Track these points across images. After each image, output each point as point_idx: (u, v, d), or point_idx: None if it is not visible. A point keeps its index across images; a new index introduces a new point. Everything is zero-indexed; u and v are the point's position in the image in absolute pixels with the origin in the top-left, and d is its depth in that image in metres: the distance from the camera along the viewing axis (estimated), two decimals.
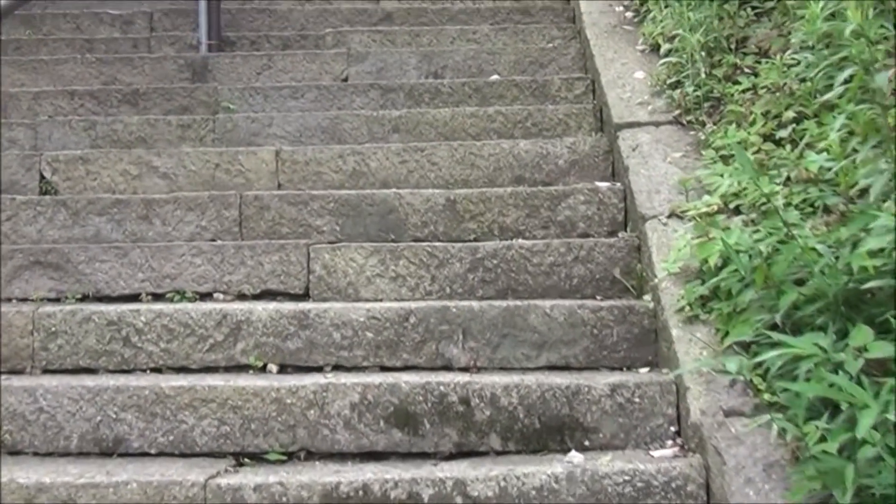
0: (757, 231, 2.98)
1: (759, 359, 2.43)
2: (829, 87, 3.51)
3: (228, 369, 3.31)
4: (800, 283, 2.65)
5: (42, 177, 4.39)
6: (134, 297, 3.72)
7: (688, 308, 3.01)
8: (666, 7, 4.44)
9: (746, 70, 4.16)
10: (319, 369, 3.30)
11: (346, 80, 5.31)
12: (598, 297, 3.53)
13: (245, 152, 4.40)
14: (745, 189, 3.24)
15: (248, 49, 5.70)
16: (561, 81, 4.96)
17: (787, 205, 3.14)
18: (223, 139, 4.70)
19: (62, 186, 4.37)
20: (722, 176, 3.26)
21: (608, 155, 4.28)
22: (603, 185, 4.02)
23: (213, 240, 3.97)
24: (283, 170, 4.34)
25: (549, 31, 5.69)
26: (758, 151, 3.54)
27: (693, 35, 4.11)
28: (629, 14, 5.38)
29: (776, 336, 2.45)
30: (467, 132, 4.64)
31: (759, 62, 4.15)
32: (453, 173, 4.30)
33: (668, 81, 4.28)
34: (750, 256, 2.79)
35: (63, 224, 4.04)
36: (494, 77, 5.14)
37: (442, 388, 2.94)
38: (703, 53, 4.11)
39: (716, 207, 3.22)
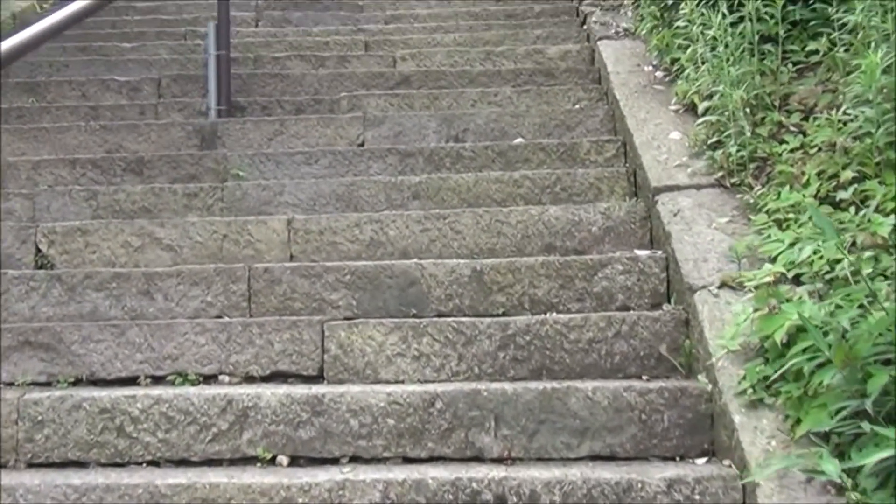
0: (828, 303, 2.66)
1: (861, 462, 2.07)
2: (891, 145, 3.22)
3: (234, 462, 2.97)
4: (887, 363, 2.31)
5: (38, 250, 4.10)
6: (131, 381, 3.40)
7: (750, 391, 2.66)
8: (702, 64, 4.16)
9: (792, 129, 3.87)
10: (335, 461, 2.95)
11: (362, 144, 5.03)
12: (644, 377, 3.19)
13: (255, 222, 4.11)
14: (808, 256, 2.91)
15: (260, 114, 5.44)
16: (590, 144, 4.67)
17: (855, 273, 2.81)
18: (232, 208, 4.42)
19: (59, 260, 4.08)
20: (782, 241, 2.94)
21: (645, 221, 3.96)
22: (642, 253, 3.70)
23: (219, 316, 3.65)
24: (296, 240, 4.05)
25: (574, 92, 5.42)
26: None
27: (735, 91, 3.82)
28: (659, 73, 5.13)
29: (867, 426, 2.10)
30: (492, 198, 4.34)
31: (806, 120, 3.87)
32: (478, 242, 4.00)
33: (709, 142, 3.99)
34: (825, 332, 2.46)
35: (58, 300, 3.74)
36: (519, 140, 4.86)
37: (474, 484, 2.60)
38: (745, 111, 3.81)
39: (777, 276, 2.89)
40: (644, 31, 5.63)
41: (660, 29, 5.23)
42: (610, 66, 5.36)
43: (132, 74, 6.02)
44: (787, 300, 2.70)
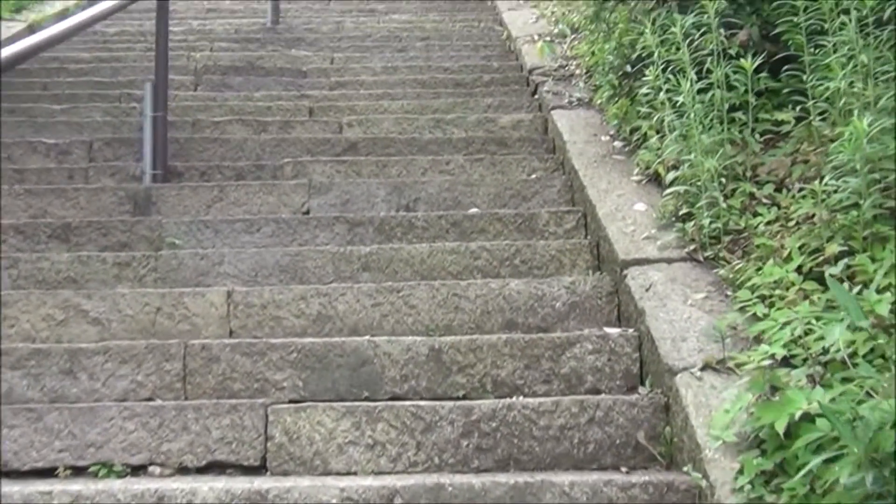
0: (830, 388, 2.42)
1: None
2: (880, 217, 3.04)
3: None
4: None
5: None
6: (49, 472, 3.02)
7: (748, 487, 2.40)
8: (670, 132, 3.97)
9: (764, 201, 3.69)
10: None
11: (307, 213, 4.75)
12: (623, 469, 2.91)
13: (191, 294, 3.78)
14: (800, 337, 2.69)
15: (198, 180, 5.13)
16: (549, 215, 4.45)
17: (853, 355, 2.60)
18: (166, 279, 4.08)
19: None
20: (776, 321, 2.71)
21: (613, 296, 3.73)
22: (613, 331, 3.45)
23: (150, 399, 3.30)
24: (236, 314, 3.72)
25: (528, 162, 5.22)
26: (798, 291, 3.02)
27: (706, 161, 3.63)
28: (618, 143, 4.96)
29: None
30: (447, 271, 4.08)
31: (779, 191, 3.69)
32: (434, 318, 3.72)
33: (679, 213, 3.79)
34: (833, 422, 2.21)
35: None
36: (474, 210, 4.62)
37: None
38: (718, 182, 3.62)
39: (775, 359, 2.65)
40: (600, 101, 5.48)
41: (617, 98, 5.08)
42: (566, 135, 5.18)
43: (62, 137, 5.67)
44: (785, 385, 2.46)
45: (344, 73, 7.20)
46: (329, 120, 6.01)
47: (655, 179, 4.33)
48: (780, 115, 3.97)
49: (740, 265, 3.31)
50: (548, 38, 6.93)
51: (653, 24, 4.28)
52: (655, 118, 4.20)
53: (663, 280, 3.47)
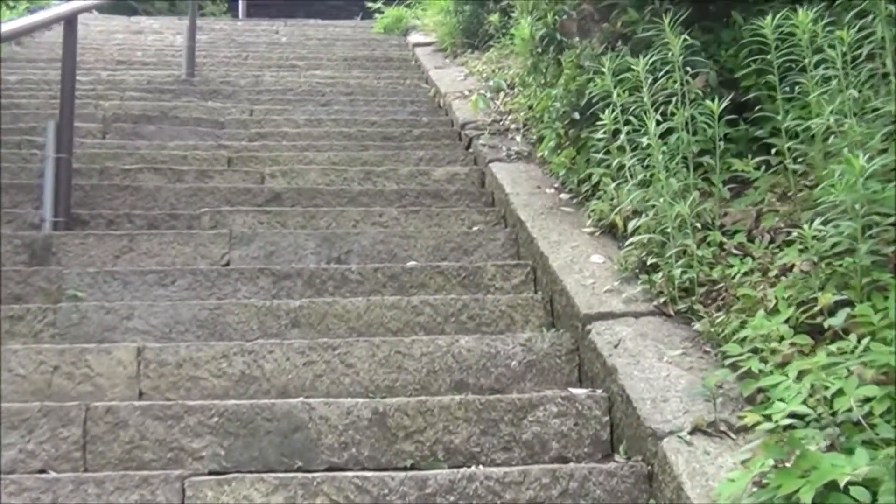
0: (850, 452, 2.09)
1: None
2: (877, 264, 2.76)
3: None
4: None
5: None
6: None
7: None
8: (630, 177, 3.67)
9: (735, 251, 3.39)
10: None
11: (227, 265, 4.30)
12: None
13: (95, 351, 3.30)
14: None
15: (105, 228, 4.64)
16: (495, 269, 4.09)
17: (869, 415, 2.27)
18: (66, 335, 3.59)
19: None
20: (786, 375, 2.38)
21: (573, 354, 3.37)
22: (579, 392, 3.08)
23: (43, 471, 2.79)
24: (147, 374, 3.25)
25: (467, 215, 4.87)
26: (790, 345, 2.71)
27: (674, 207, 3.32)
28: (564, 196, 4.66)
29: None
30: (387, 327, 3.67)
31: (751, 241, 3.41)
32: (375, 378, 3.30)
33: (645, 264, 3.46)
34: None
35: None
36: (412, 263, 4.23)
37: None
38: (690, 229, 3.31)
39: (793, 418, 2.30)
40: (542, 153, 5.20)
41: (563, 147, 4.79)
42: (507, 188, 4.87)
43: None
44: (806, 452, 2.11)
45: (264, 124, 6.81)
46: (250, 170, 5.60)
47: (610, 231, 4.03)
48: (740, 164, 3.71)
49: (721, 318, 2.99)
50: (481, 93, 6.66)
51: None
52: (613, 164, 3.90)
53: (633, 335, 3.13)
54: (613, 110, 3.89)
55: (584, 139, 4.55)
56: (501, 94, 6.86)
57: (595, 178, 4.34)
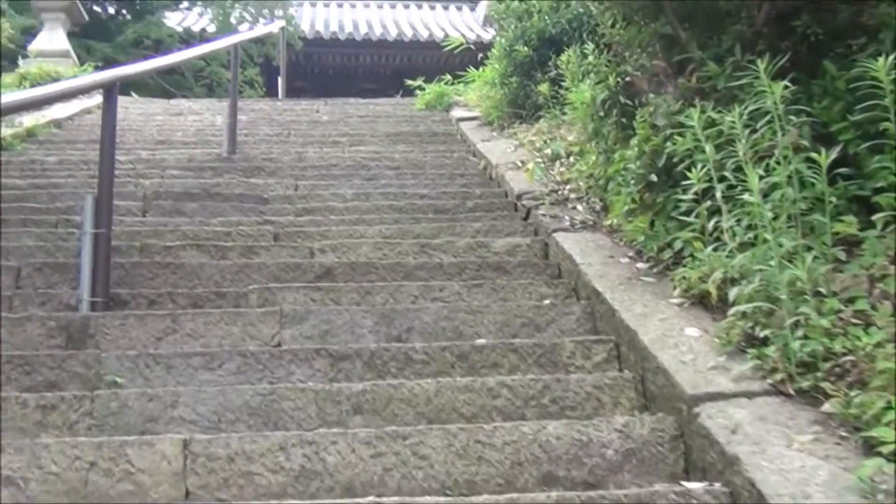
0: None
1: None
2: None
3: None
4: None
5: None
6: None
7: None
8: (732, 238, 3.29)
9: (854, 320, 2.98)
10: None
11: (278, 346, 3.94)
12: None
13: (136, 444, 2.91)
14: None
15: (146, 308, 4.32)
16: (574, 345, 3.70)
17: None
18: (104, 426, 3.22)
19: None
20: None
21: (677, 441, 2.94)
22: (696, 487, 2.64)
23: None
24: (195, 469, 2.86)
25: (534, 287, 4.50)
26: None
27: (786, 272, 2.93)
28: (642, 265, 4.29)
29: None
30: (460, 412, 3.28)
31: (874, 308, 3.00)
32: (453, 472, 2.89)
33: (756, 335, 3.06)
34: None
35: None
36: (483, 341, 3.85)
37: None
38: (809, 295, 2.91)
39: None
40: (613, 220, 4.84)
41: (636, 213, 4.43)
42: (578, 258, 4.50)
43: None
44: None
45: (310, 199, 6.51)
46: (298, 246, 5.27)
47: (701, 302, 3.63)
48: (845, 224, 3.31)
49: (860, 398, 2.57)
50: (538, 161, 6.34)
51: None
52: (703, 227, 3.52)
53: (751, 419, 2.71)
54: (703, 167, 3.54)
55: (663, 203, 4.19)
56: (557, 163, 6.54)
57: (678, 245, 3.97)
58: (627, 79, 5.25)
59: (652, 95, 4.27)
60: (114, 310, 4.25)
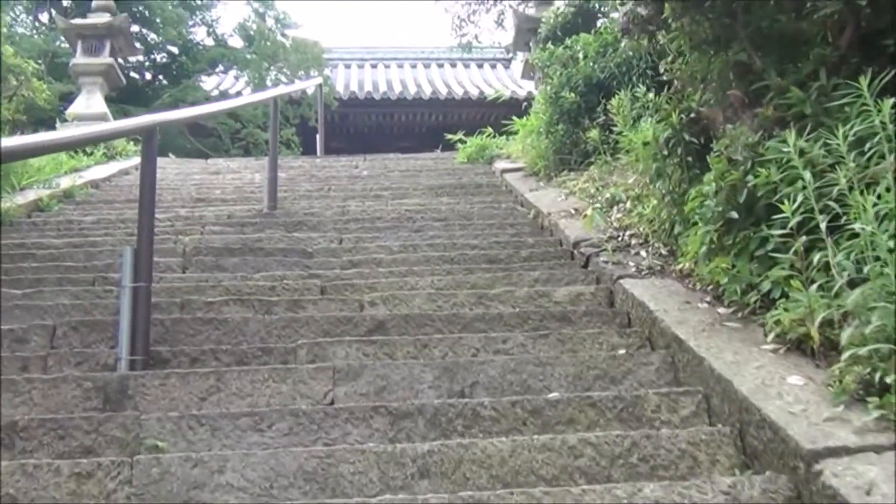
0: None
1: None
2: None
3: None
4: None
5: None
6: None
7: None
8: (840, 275, 2.95)
9: None
10: None
11: (332, 404, 3.63)
12: None
13: None
14: None
15: (189, 367, 4.02)
16: (658, 398, 3.34)
17: None
18: (145, 495, 2.90)
19: None
20: None
21: (793, 503, 2.58)
22: None
23: None
24: None
25: (605, 337, 4.16)
26: None
27: None
28: (722, 310, 3.93)
29: None
30: (538, 474, 2.93)
31: None
32: None
33: (879, 381, 2.70)
34: None
35: None
36: (555, 395, 3.51)
37: None
38: None
39: None
40: (683, 264, 4.52)
41: (713, 255, 4.09)
42: (651, 305, 4.16)
43: (17, 323, 4.58)
44: None
45: (356, 252, 6.24)
46: (346, 298, 4.97)
47: (799, 347, 3.28)
48: None
49: None
50: (597, 207, 6.03)
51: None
52: (803, 264, 3.18)
53: (884, 477, 2.35)
54: (797, 199, 3.21)
55: (744, 242, 3.85)
56: (614, 209, 6.22)
57: (765, 286, 3.62)
58: (692, 115, 4.96)
59: (730, 126, 3.94)
60: (154, 368, 3.95)
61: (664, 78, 7.76)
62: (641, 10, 5.49)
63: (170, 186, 9.46)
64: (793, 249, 3.27)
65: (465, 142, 11.39)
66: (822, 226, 3.03)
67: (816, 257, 3.10)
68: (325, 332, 4.43)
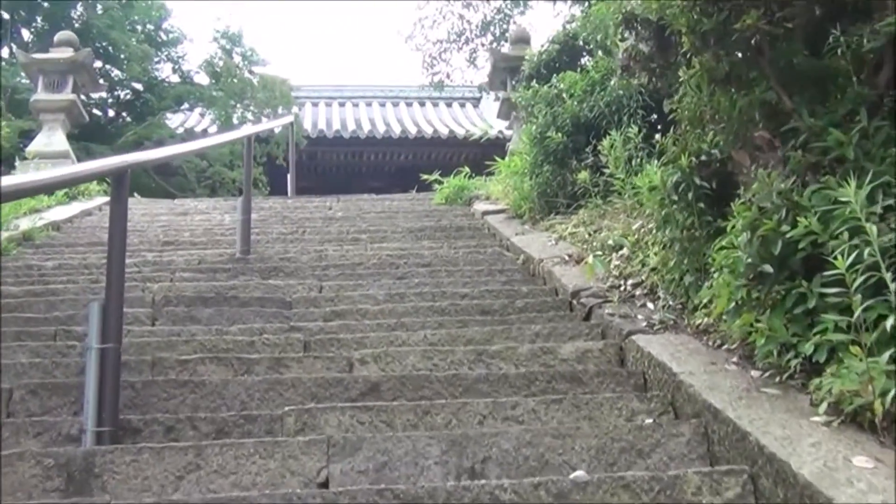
0: None
1: None
2: None
3: None
4: None
5: None
6: None
7: None
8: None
9: None
10: None
11: (325, 484, 3.22)
12: None
13: None
14: None
15: (163, 439, 3.59)
16: (700, 478, 2.96)
17: None
18: None
19: None
20: None
21: None
22: None
23: None
24: None
25: (623, 403, 3.78)
26: None
27: None
28: (755, 373, 3.58)
29: None
30: None
31: None
32: None
33: None
34: None
35: None
36: (580, 474, 3.12)
37: None
38: None
39: None
40: (701, 319, 4.17)
41: (743, 310, 3.73)
42: (673, 366, 3.80)
43: None
44: None
45: (339, 301, 5.83)
46: (334, 356, 4.56)
47: (854, 419, 2.93)
48: None
49: None
50: (598, 254, 5.68)
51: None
52: (862, 323, 2.84)
53: None
54: (850, 252, 2.88)
55: (781, 297, 3.50)
56: (613, 255, 5.88)
57: (807, 348, 3.28)
58: (702, 158, 4.64)
59: (762, 171, 3.61)
60: (124, 441, 3.52)
61: (654, 118, 7.55)
62: (643, 47, 5.20)
63: (136, 228, 9.00)
64: (844, 308, 2.92)
65: (442, 182, 11.06)
66: (893, 286, 2.69)
67: (873, 317, 2.76)
68: (312, 395, 4.02)
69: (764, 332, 3.48)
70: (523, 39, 12.62)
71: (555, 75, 8.72)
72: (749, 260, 3.60)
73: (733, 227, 3.77)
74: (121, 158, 3.96)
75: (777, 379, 3.44)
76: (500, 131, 17.53)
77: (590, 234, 6.69)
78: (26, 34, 18.54)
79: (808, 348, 3.28)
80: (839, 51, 3.70)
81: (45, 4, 17.99)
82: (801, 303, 3.38)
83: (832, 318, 3.12)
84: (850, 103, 3.58)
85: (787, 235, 3.41)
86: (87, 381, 3.55)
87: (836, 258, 2.96)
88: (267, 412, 3.80)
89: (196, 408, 3.95)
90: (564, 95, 8.24)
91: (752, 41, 3.77)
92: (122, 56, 18.07)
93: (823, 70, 3.81)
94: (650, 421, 3.54)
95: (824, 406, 3.01)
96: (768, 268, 3.52)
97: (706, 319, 4.22)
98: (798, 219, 3.36)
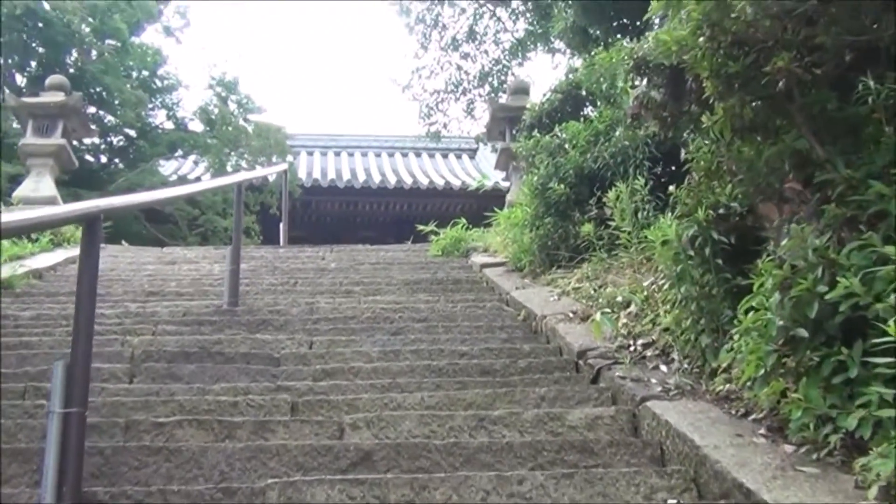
0: None
1: None
2: None
3: None
4: None
5: None
6: None
7: None
8: None
9: None
10: None
11: None
12: None
13: None
14: None
15: None
16: None
17: None
18: None
19: None
20: None
21: None
22: None
23: None
24: None
25: (641, 478, 3.43)
26: None
27: None
28: (788, 448, 3.27)
29: None
30: None
31: None
32: None
33: None
34: None
35: None
36: None
37: None
38: None
39: None
40: (722, 385, 3.85)
41: (771, 378, 3.41)
42: (696, 438, 3.47)
43: None
44: None
45: (329, 359, 5.47)
46: (323, 420, 4.21)
47: None
48: None
49: None
50: (606, 311, 5.35)
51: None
52: None
53: None
54: None
55: (817, 364, 3.18)
56: (621, 314, 5.56)
57: (850, 423, 2.95)
58: (720, 211, 4.35)
59: (794, 225, 3.31)
60: None
61: (660, 170, 7.27)
62: (655, 94, 4.94)
63: (120, 277, 8.68)
64: (889, 379, 2.60)
65: (438, 233, 10.77)
66: None
67: None
68: (298, 465, 3.66)
69: (798, 403, 3.15)
70: (522, 90, 12.40)
71: (557, 125, 8.47)
72: (781, 322, 3.28)
73: (761, 285, 3.47)
74: (93, 203, 3.63)
75: (814, 455, 3.10)
76: (497, 182, 17.34)
77: (595, 290, 6.37)
78: (20, 79, 18.35)
79: (850, 422, 2.96)
80: (870, 99, 3.43)
81: (40, 50, 17.82)
82: (840, 371, 3.07)
83: (877, 390, 2.79)
84: (890, 153, 3.29)
85: (825, 297, 3.10)
86: (46, 450, 3.19)
87: (886, 323, 2.64)
88: (248, 485, 3.44)
89: (170, 478, 3.59)
90: (567, 146, 7.97)
91: (781, 86, 3.49)
92: (116, 102, 17.87)
93: (857, 118, 3.53)
94: (673, 501, 3.19)
95: (875, 491, 2.67)
96: (803, 332, 3.21)
97: (728, 385, 3.89)
98: (837, 279, 3.05)
